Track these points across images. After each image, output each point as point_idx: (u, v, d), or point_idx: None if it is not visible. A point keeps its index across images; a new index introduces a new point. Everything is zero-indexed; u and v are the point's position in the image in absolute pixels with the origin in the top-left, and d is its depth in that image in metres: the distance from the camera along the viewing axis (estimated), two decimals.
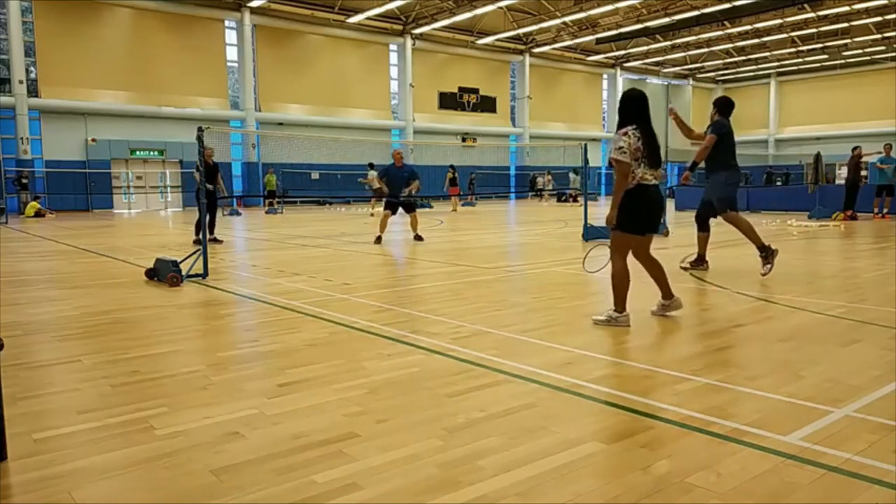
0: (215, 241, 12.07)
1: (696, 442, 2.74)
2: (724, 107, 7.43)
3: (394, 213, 12.10)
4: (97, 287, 7.13)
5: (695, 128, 7.86)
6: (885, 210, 16.55)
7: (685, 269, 7.62)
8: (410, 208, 12.30)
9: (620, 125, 4.87)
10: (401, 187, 11.88)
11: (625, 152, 4.71)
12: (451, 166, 26.58)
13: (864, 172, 18.75)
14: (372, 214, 22.02)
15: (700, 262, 7.64)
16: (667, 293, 5.16)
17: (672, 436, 2.80)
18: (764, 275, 6.95)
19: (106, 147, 27.23)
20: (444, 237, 13.53)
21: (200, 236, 10.63)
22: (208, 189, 11.36)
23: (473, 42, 37.03)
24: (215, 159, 12.52)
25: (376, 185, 22.81)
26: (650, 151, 4.77)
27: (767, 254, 7.03)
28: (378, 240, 11.73)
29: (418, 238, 12.06)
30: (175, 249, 10.53)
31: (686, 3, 31.95)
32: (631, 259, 4.99)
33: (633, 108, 4.85)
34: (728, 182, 7.32)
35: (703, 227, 7.68)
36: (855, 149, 16.83)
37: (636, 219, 4.83)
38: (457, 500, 2.27)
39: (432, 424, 2.96)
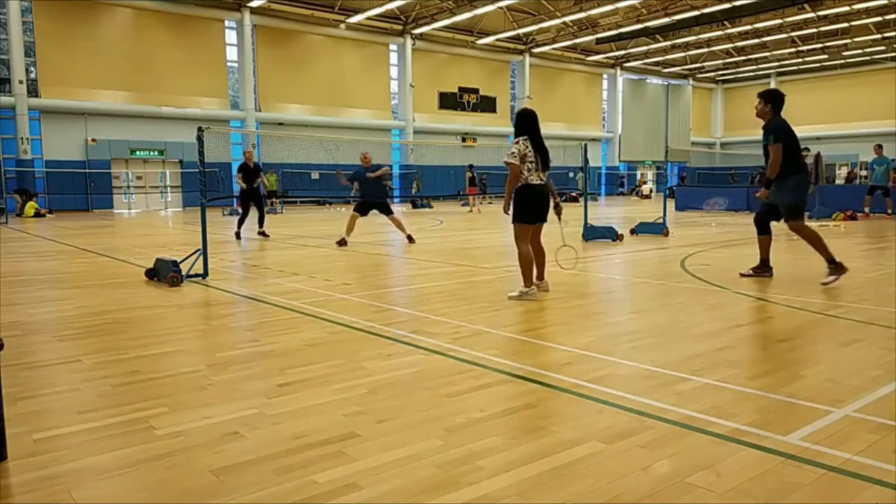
0: (263, 234, 13.12)
1: (696, 442, 2.74)
2: (776, 100, 6.76)
3: (363, 214, 11.59)
4: (97, 287, 7.12)
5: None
6: (889, 211, 16.61)
7: (747, 275, 7.04)
8: (387, 210, 11.64)
9: (516, 135, 6.06)
10: (374, 188, 11.45)
11: (515, 156, 5.90)
12: (470, 166, 26.56)
13: (863, 172, 18.76)
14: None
15: (764, 267, 7.06)
16: (540, 274, 6.29)
17: (672, 436, 2.80)
18: (825, 284, 6.43)
19: (106, 147, 27.24)
20: (444, 237, 13.53)
21: (242, 230, 13.01)
22: (252, 188, 13.07)
23: (473, 42, 37.02)
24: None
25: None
26: (539, 158, 6.00)
27: (836, 266, 6.53)
28: (342, 242, 11.16)
29: (410, 240, 11.54)
30: (175, 249, 10.52)
31: (686, 3, 31.95)
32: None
33: (526, 123, 6.09)
34: (797, 186, 6.70)
35: (764, 230, 7.07)
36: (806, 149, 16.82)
37: (524, 211, 6.02)
38: (457, 500, 2.26)
39: (432, 424, 2.96)
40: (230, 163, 29.74)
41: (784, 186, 6.72)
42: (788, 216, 6.74)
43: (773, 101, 6.77)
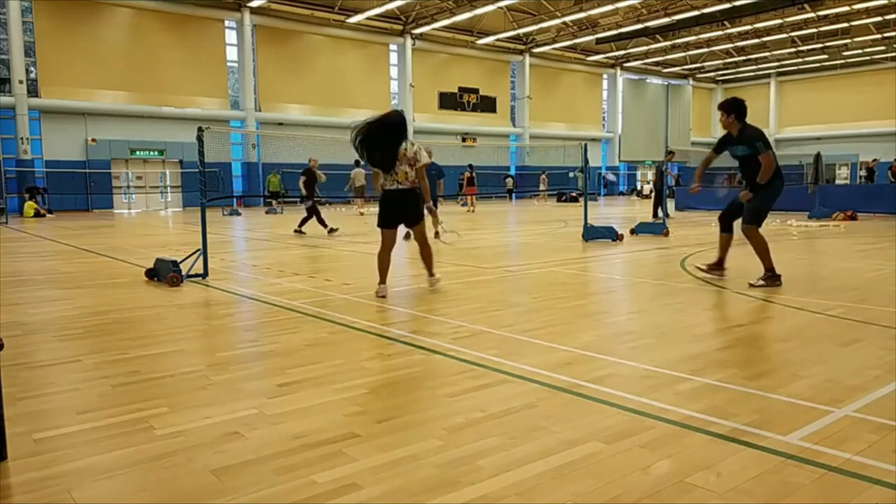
0: (301, 232, 14.01)
1: (696, 442, 2.74)
2: (738, 110, 6.51)
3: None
4: (97, 287, 7.12)
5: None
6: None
7: (702, 270, 7.08)
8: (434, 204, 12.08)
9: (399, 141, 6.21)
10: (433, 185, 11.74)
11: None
12: (470, 166, 26.61)
13: (862, 172, 18.66)
14: (362, 213, 22.05)
15: (718, 266, 6.99)
16: (431, 270, 6.65)
17: (672, 436, 2.80)
18: (753, 285, 6.45)
19: (106, 147, 27.23)
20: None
21: (328, 227, 14.15)
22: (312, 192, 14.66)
23: (473, 42, 37.02)
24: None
25: (358, 183, 22.85)
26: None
27: (773, 276, 6.50)
28: (436, 235, 11.38)
29: (436, 236, 11.37)
30: (175, 249, 10.52)
31: (686, 3, 31.95)
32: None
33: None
34: (775, 192, 6.56)
35: (727, 228, 6.90)
36: (669, 153, 16.10)
37: (380, 217, 6.38)
38: (457, 500, 2.26)
39: (432, 424, 2.96)
40: (230, 163, 29.76)
41: (769, 190, 6.53)
42: (749, 218, 6.55)
43: (735, 110, 6.49)
